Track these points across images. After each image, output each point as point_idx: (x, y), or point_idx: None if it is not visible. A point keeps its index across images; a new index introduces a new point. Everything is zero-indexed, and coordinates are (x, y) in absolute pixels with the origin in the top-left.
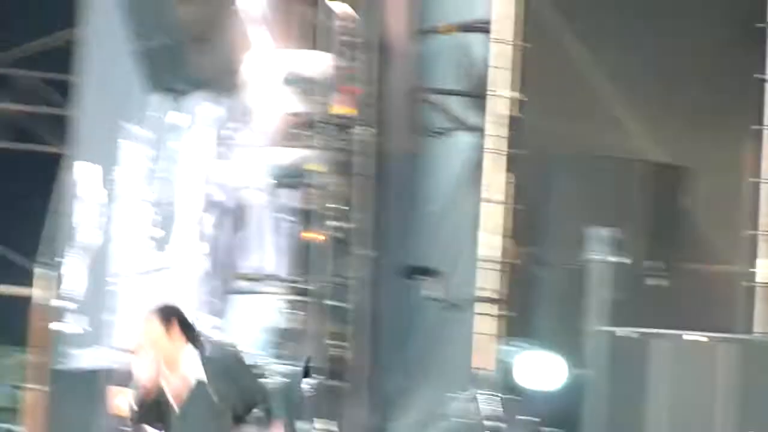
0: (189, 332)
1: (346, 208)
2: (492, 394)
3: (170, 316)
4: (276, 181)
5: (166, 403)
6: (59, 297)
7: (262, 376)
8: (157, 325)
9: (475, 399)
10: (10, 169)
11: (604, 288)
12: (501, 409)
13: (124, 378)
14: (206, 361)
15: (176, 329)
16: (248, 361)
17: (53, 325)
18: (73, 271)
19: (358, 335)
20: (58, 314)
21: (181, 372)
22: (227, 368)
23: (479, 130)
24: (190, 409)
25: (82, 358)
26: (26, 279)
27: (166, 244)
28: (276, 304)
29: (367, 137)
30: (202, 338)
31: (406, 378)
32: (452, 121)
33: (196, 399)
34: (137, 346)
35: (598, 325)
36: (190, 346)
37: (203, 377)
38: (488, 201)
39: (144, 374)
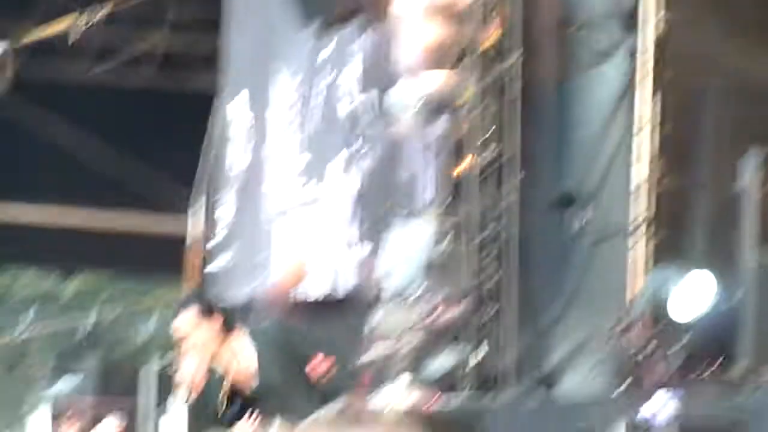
0: (230, 320)
1: (497, 136)
2: (646, 321)
3: (209, 310)
4: (426, 111)
5: (225, 398)
6: (213, 235)
7: (316, 339)
8: (198, 322)
9: (629, 326)
10: (164, 109)
11: (759, 212)
12: (655, 336)
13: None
14: (256, 341)
15: (218, 321)
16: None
17: (207, 263)
18: (227, 209)
19: (510, 264)
20: (212, 252)
21: (236, 362)
22: (279, 344)
23: (630, 55)
24: (257, 391)
25: (235, 295)
26: (182, 217)
27: (317, 179)
28: (427, 233)
29: (516, 65)
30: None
31: (559, 307)
32: (604, 46)
33: (260, 382)
34: (184, 348)
35: (752, 249)
36: (235, 335)
37: (257, 361)
38: (639, 126)
39: (193, 374)
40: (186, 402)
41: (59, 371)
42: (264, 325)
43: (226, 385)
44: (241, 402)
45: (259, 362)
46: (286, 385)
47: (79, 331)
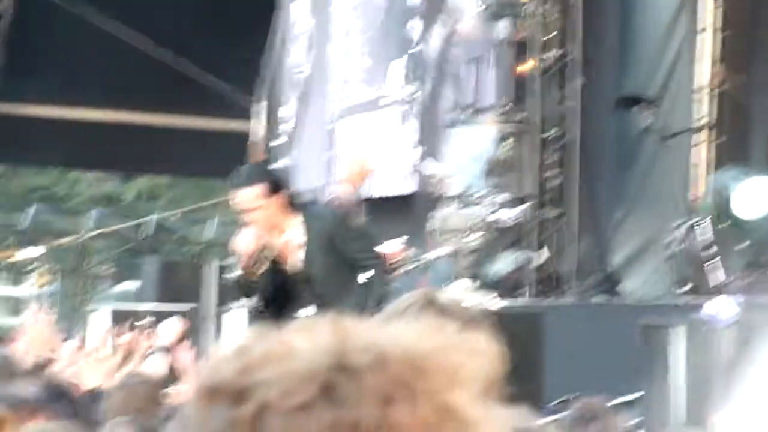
0: (293, 201)
1: (560, 37)
2: (709, 222)
3: (276, 187)
4: (489, 11)
5: (271, 272)
6: (276, 135)
7: (369, 239)
8: (260, 193)
9: (692, 227)
10: (224, 9)
11: None
12: (718, 236)
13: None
14: (309, 222)
15: (282, 199)
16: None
17: (270, 163)
18: (290, 109)
19: (573, 166)
20: (276, 151)
21: (287, 237)
22: (331, 229)
23: None
24: (306, 270)
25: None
26: (245, 115)
27: (381, 80)
28: (491, 135)
29: None
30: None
31: (623, 207)
32: None
33: (309, 258)
34: (245, 219)
35: None
36: (294, 216)
37: (306, 246)
38: (702, 29)
39: (247, 246)
40: (235, 271)
41: (120, 273)
42: (320, 211)
43: (271, 262)
44: (282, 281)
45: (307, 247)
46: (328, 276)
47: (140, 234)
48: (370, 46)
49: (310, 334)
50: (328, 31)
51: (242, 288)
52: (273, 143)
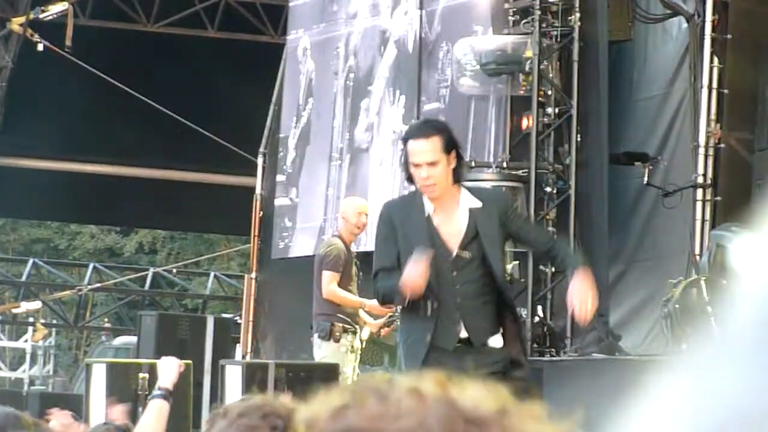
0: (461, 169)
1: (560, 93)
2: (709, 278)
3: (453, 145)
4: (490, 67)
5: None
6: (280, 184)
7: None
8: (442, 153)
9: (693, 284)
10: (230, 60)
11: None
12: (716, 294)
13: (339, 264)
14: (474, 195)
15: (455, 161)
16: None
17: (275, 214)
18: (294, 155)
19: (571, 222)
20: (280, 206)
21: (451, 207)
22: (490, 203)
23: (693, 15)
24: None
25: (301, 246)
26: (248, 169)
27: (378, 125)
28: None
29: (577, 23)
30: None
31: (621, 264)
32: (665, 7)
33: (481, 223)
34: (422, 165)
35: None
36: (457, 184)
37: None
38: (702, 87)
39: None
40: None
41: (119, 326)
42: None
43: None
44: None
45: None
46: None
47: (139, 287)
48: (369, 91)
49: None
50: (330, 72)
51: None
52: (274, 192)
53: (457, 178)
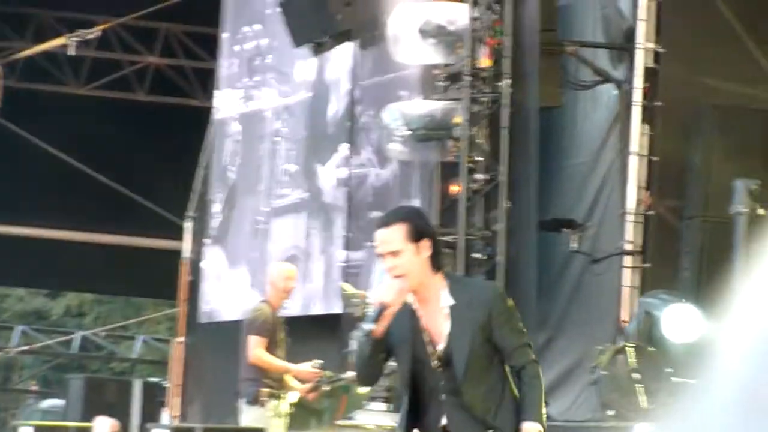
0: (438, 255)
1: (489, 160)
2: (637, 346)
3: (420, 233)
4: (419, 133)
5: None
6: (207, 248)
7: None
8: (404, 235)
9: (620, 351)
10: (158, 123)
11: (751, 241)
12: (643, 361)
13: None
14: (456, 290)
15: (427, 250)
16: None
17: (202, 278)
18: (220, 219)
19: (503, 286)
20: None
21: (433, 300)
22: (476, 301)
23: (622, 82)
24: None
25: (228, 310)
26: (176, 233)
27: (309, 183)
28: None
29: (507, 89)
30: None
31: (548, 330)
32: (595, 74)
33: (455, 323)
34: (384, 255)
35: (743, 278)
36: (439, 273)
37: (454, 302)
38: (631, 153)
39: (389, 296)
40: (366, 331)
41: (47, 389)
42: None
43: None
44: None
45: (454, 327)
46: (477, 372)
47: (66, 349)
48: (297, 150)
49: None
50: (255, 134)
51: (374, 348)
52: (201, 255)
53: (437, 266)
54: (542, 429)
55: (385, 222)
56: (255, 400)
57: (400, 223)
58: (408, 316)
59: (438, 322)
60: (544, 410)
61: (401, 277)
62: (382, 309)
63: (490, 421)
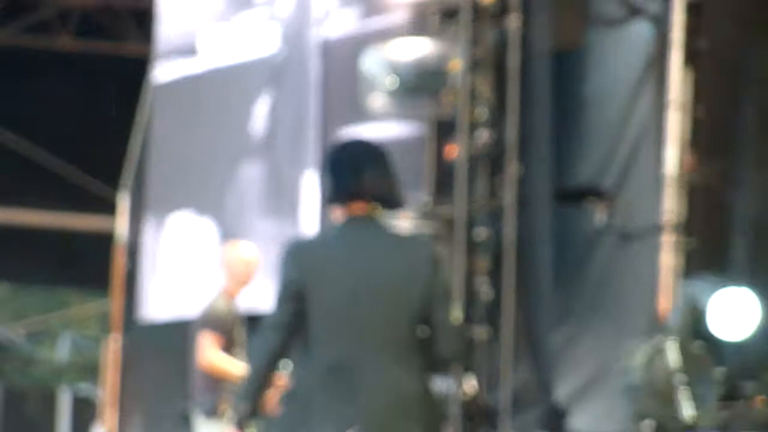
0: None
1: (494, 116)
2: (679, 342)
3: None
4: (406, 86)
5: None
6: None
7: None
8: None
9: (657, 349)
10: (84, 74)
11: None
12: (688, 361)
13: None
14: None
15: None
16: None
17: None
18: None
19: (509, 274)
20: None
21: None
22: None
23: (659, 17)
24: None
25: (173, 304)
26: (107, 209)
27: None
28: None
29: (516, 28)
30: None
31: (570, 325)
32: (626, 7)
33: None
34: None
35: None
36: None
37: None
38: (670, 106)
39: None
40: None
41: None
42: None
43: None
44: None
45: None
46: None
47: None
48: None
49: None
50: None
51: None
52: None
53: None
54: None
55: None
56: (214, 412)
57: None
58: None
59: None
60: None
61: None
62: None
63: None
